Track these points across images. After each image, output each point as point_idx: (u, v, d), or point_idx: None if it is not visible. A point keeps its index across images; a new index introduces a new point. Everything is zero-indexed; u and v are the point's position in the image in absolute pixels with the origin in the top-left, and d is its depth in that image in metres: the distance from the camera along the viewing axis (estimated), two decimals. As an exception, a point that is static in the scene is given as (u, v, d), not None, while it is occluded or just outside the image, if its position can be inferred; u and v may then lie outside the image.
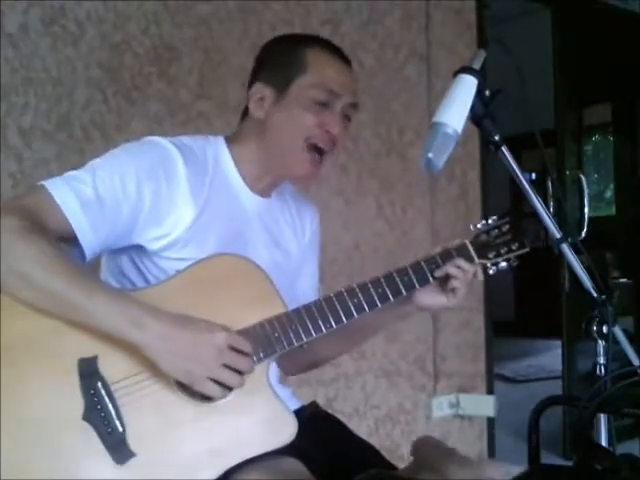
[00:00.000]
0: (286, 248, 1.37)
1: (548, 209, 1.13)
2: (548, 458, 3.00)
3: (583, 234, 2.81)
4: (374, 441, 1.43)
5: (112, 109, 2.11)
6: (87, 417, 1.06)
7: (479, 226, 1.29)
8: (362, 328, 1.37)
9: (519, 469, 1.15)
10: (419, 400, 2.90)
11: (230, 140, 1.32)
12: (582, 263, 1.13)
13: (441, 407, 2.95)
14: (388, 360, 2.80)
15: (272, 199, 1.36)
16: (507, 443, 3.22)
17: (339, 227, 2.65)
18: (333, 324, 1.18)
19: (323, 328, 1.18)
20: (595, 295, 1.12)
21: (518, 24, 5.24)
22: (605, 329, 1.10)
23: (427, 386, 2.93)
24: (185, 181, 1.19)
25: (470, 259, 1.26)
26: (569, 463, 1.06)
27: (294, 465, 1.17)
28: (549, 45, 3.58)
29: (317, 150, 1.26)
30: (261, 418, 1.14)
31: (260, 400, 1.14)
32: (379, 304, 1.22)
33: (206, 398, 1.11)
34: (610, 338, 1.10)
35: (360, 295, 1.20)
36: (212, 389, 1.08)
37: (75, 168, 1.17)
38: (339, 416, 1.46)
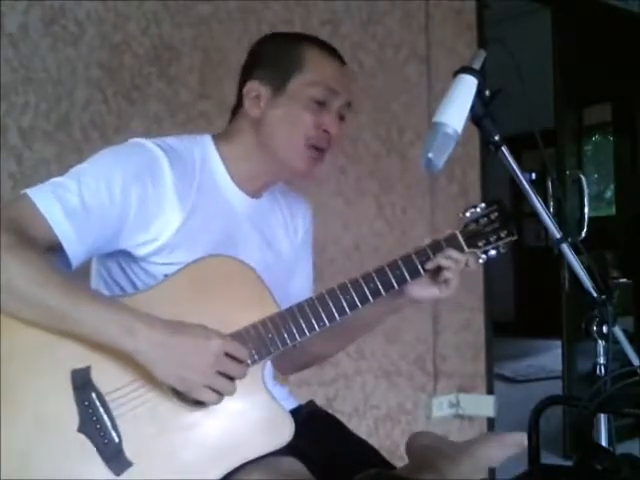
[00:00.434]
0: (278, 248, 1.36)
1: (548, 209, 1.13)
2: (548, 458, 3.00)
3: (583, 234, 2.81)
4: (374, 441, 1.43)
5: (112, 109, 2.11)
6: (83, 429, 1.05)
7: (468, 214, 1.28)
8: (356, 324, 1.35)
9: (520, 435, 1.15)
10: (419, 400, 2.90)
11: (219, 139, 1.30)
12: (582, 263, 1.13)
13: (441, 407, 2.95)
14: (388, 360, 2.80)
15: (262, 199, 1.34)
16: (507, 443, 3.21)
17: (339, 227, 2.65)
18: (326, 322, 1.17)
19: (316, 327, 1.17)
20: (595, 295, 1.12)
21: (518, 24, 5.24)
22: (605, 329, 1.10)
23: (427, 386, 2.93)
24: (172, 185, 1.18)
25: (460, 249, 1.25)
26: (569, 463, 1.06)
27: (293, 465, 1.17)
28: (549, 45, 3.58)
29: (315, 148, 1.25)
30: (258, 420, 1.13)
31: (256, 402, 1.14)
32: (371, 299, 1.21)
33: (200, 403, 1.10)
34: (610, 338, 1.10)
35: (352, 291, 1.19)
36: (207, 396, 1.07)
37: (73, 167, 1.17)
38: (339, 416, 1.46)
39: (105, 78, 2.10)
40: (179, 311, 1.09)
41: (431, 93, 2.88)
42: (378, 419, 2.78)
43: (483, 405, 3.05)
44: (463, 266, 1.24)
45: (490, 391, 3.14)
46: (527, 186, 1.13)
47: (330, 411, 1.47)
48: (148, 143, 1.20)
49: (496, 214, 1.27)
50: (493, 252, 1.28)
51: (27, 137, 1.96)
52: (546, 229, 1.14)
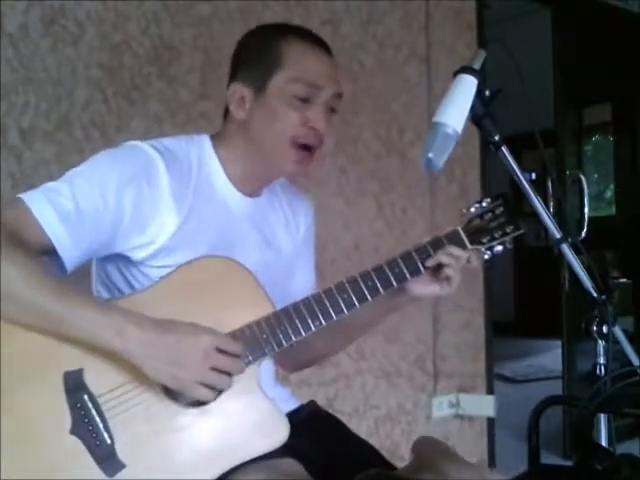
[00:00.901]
0: (278, 247, 1.34)
1: (548, 209, 1.13)
2: (548, 458, 3.00)
3: (583, 234, 2.81)
4: (374, 441, 1.42)
5: (112, 109, 2.11)
6: (75, 431, 1.05)
7: (472, 210, 1.25)
8: (356, 323, 1.34)
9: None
10: (419, 400, 2.90)
11: (216, 139, 1.29)
12: (582, 263, 1.13)
13: (441, 407, 2.95)
14: (388, 360, 2.80)
15: (262, 197, 1.33)
16: (507, 443, 3.22)
17: (339, 227, 2.65)
18: (323, 322, 1.16)
19: (312, 327, 1.15)
20: (595, 295, 1.12)
21: (518, 24, 5.25)
22: (605, 329, 1.10)
23: (427, 386, 2.93)
24: (168, 187, 1.17)
25: (462, 245, 1.22)
26: (569, 463, 1.06)
27: (292, 465, 1.17)
28: (549, 45, 3.58)
29: (304, 148, 1.22)
30: (252, 421, 1.12)
31: (250, 403, 1.13)
32: (369, 298, 1.18)
33: (195, 404, 1.09)
34: (610, 338, 1.10)
35: (350, 290, 1.17)
36: (201, 393, 1.07)
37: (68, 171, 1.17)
38: (339, 416, 1.46)
39: (105, 78, 2.10)
40: (173, 311, 1.09)
41: (431, 93, 2.88)
42: (378, 419, 2.78)
43: (483, 405, 3.05)
44: (465, 263, 1.22)
45: (490, 391, 3.14)
46: (527, 186, 1.13)
47: (330, 411, 1.47)
48: (143, 145, 1.19)
49: (501, 209, 1.24)
50: (499, 248, 1.24)
51: (27, 137, 1.96)
52: (546, 229, 1.14)
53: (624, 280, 3.80)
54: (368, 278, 1.19)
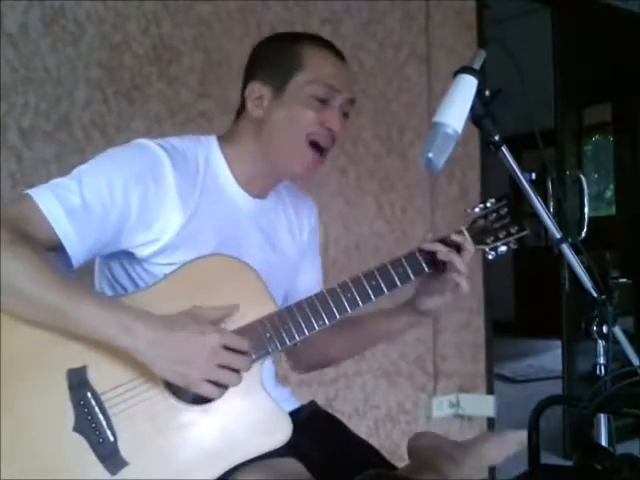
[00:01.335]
0: (282, 248, 1.36)
1: (548, 209, 1.13)
2: (548, 458, 3.00)
3: (583, 234, 2.81)
4: (374, 441, 1.43)
5: (112, 109, 2.11)
6: (78, 428, 1.05)
7: (477, 210, 1.26)
8: (370, 333, 1.37)
9: (520, 433, 1.15)
10: (419, 400, 2.90)
11: (223, 140, 1.30)
12: (582, 263, 1.13)
13: (441, 407, 2.95)
14: (388, 360, 2.80)
15: (267, 199, 1.34)
16: (507, 443, 3.22)
17: (339, 228, 2.65)
18: (326, 321, 1.16)
19: (316, 326, 1.16)
20: (595, 295, 1.12)
21: (518, 24, 5.24)
22: (605, 329, 1.10)
23: (427, 386, 2.93)
24: (174, 185, 1.18)
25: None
26: (569, 463, 1.06)
27: (293, 465, 1.17)
28: (549, 45, 3.58)
29: (317, 147, 1.25)
30: (255, 420, 1.13)
31: (253, 402, 1.13)
32: (373, 298, 1.19)
33: (198, 402, 1.10)
34: (610, 338, 1.10)
35: (353, 289, 1.18)
36: (208, 390, 1.07)
37: (75, 168, 1.17)
38: (339, 416, 1.46)
39: (105, 78, 2.10)
40: (177, 309, 1.09)
41: (431, 93, 2.88)
42: (378, 419, 2.78)
43: (483, 405, 3.05)
44: (469, 260, 1.22)
45: (490, 391, 3.14)
46: (527, 186, 1.13)
47: (330, 411, 1.48)
48: (151, 143, 1.20)
49: (506, 209, 1.25)
50: (503, 248, 1.25)
51: (27, 137, 1.96)
52: (546, 229, 1.14)
53: (624, 280, 3.80)
54: (372, 278, 1.20)
